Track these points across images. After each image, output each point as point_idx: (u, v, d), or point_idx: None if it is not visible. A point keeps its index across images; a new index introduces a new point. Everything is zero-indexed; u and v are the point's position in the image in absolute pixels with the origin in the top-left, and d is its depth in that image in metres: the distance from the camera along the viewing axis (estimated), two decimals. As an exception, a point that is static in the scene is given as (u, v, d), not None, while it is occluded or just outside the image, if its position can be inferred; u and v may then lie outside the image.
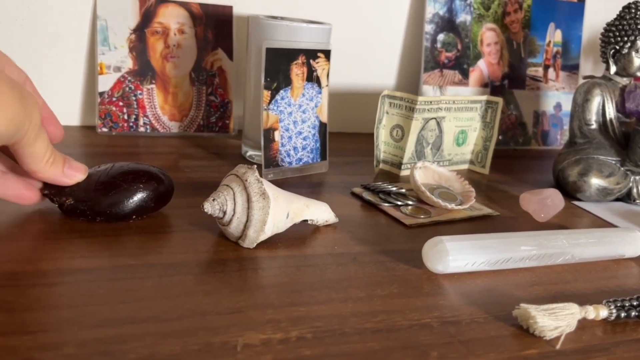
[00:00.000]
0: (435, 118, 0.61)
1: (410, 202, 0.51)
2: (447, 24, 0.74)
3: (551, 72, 0.80)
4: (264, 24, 0.55)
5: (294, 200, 0.41)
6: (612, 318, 0.35)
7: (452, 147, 0.64)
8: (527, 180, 0.64)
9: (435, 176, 0.55)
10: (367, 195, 0.51)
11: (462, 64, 0.75)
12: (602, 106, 0.61)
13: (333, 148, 0.67)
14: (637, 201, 0.59)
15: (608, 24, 0.62)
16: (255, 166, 0.40)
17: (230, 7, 0.66)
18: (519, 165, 0.71)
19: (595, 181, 0.57)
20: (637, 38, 0.59)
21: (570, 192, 0.58)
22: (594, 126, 0.61)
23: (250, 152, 0.60)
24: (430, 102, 0.60)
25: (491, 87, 0.77)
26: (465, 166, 0.67)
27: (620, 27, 0.60)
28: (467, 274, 0.39)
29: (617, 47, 0.60)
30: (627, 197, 0.59)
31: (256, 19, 0.56)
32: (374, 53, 0.76)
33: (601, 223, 0.54)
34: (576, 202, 0.58)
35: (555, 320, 0.32)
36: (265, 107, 0.53)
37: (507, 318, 0.34)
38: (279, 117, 0.54)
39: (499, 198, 0.57)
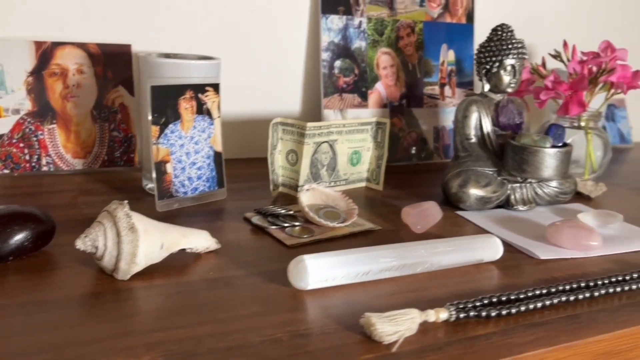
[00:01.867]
0: (327, 141, 0.65)
1: (297, 223, 0.54)
2: (343, 50, 0.78)
3: (447, 90, 0.86)
4: (152, 62, 0.58)
5: (169, 231, 0.44)
6: (453, 319, 0.38)
7: (347, 167, 0.68)
8: (418, 194, 0.68)
9: (322, 197, 0.58)
10: (255, 220, 0.54)
11: (360, 88, 0.79)
12: (480, 121, 0.66)
13: (240, 174, 0.70)
14: (515, 207, 0.64)
15: (480, 45, 0.67)
16: (127, 201, 0.42)
17: (129, 46, 0.69)
18: (416, 179, 0.76)
19: (474, 191, 0.62)
20: (504, 58, 0.65)
21: (453, 202, 0.63)
22: (473, 140, 0.66)
23: (150, 185, 0.62)
24: (320, 127, 0.63)
25: (390, 107, 0.82)
26: (363, 184, 0.70)
27: (489, 48, 0.66)
28: (330, 289, 0.42)
29: (488, 67, 0.66)
30: (506, 204, 0.64)
31: (145, 58, 0.59)
32: (279, 81, 0.80)
33: (477, 230, 0.58)
34: (460, 212, 0.63)
35: (395, 326, 0.36)
36: (155, 142, 0.55)
37: (356, 327, 0.37)
38: (169, 150, 0.56)
39: (387, 213, 0.61)
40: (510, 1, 0.94)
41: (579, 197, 0.72)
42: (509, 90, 0.66)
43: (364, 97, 0.80)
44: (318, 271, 0.40)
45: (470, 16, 0.87)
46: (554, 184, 0.65)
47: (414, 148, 0.82)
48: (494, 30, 0.66)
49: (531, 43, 0.95)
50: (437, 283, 0.45)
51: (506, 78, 0.65)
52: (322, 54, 0.77)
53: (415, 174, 0.78)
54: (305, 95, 0.81)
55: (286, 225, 0.53)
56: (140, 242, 0.40)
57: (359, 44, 0.79)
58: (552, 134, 0.62)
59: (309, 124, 0.62)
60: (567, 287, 0.44)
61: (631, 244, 0.55)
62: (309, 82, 0.81)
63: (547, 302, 0.42)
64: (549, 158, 0.60)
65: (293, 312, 0.39)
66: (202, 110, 0.59)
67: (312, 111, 0.81)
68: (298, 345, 0.35)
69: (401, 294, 0.43)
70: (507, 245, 0.54)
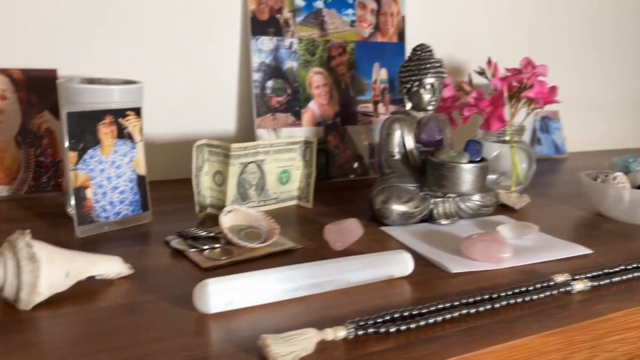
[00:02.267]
0: (254, 161, 0.66)
1: (217, 245, 0.54)
2: (275, 71, 0.79)
3: (381, 107, 0.88)
4: (71, 88, 0.58)
5: (76, 259, 0.43)
6: (351, 337, 0.39)
7: (277, 186, 0.69)
8: (348, 211, 0.69)
9: (246, 217, 0.59)
10: (174, 243, 0.54)
11: (293, 107, 0.81)
12: (402, 139, 0.68)
13: (172, 196, 0.70)
14: (438, 221, 0.65)
15: (401, 66, 0.69)
16: (29, 230, 0.42)
17: (55, 71, 0.69)
18: (349, 196, 0.77)
19: (396, 207, 0.63)
20: (423, 77, 0.67)
21: (377, 218, 0.64)
22: (397, 157, 0.68)
23: (72, 210, 0.61)
24: (245, 147, 0.64)
25: (324, 125, 0.83)
26: (294, 202, 0.71)
27: (409, 67, 0.68)
28: (237, 311, 0.43)
29: (408, 86, 0.68)
30: (430, 218, 0.66)
31: (63, 84, 0.59)
32: (213, 103, 0.80)
33: (398, 245, 0.59)
34: (384, 228, 0.64)
35: (290, 346, 0.36)
36: (73, 168, 0.55)
37: (255, 350, 0.37)
38: (89, 176, 0.56)
39: (313, 230, 0.62)
40: (441, 20, 0.97)
41: (505, 208, 0.74)
42: (430, 107, 0.68)
43: (298, 116, 0.81)
44: (221, 295, 0.41)
45: (401, 35, 0.89)
46: (475, 197, 0.67)
47: (356, 164, 0.83)
48: (413, 50, 0.68)
49: (463, 60, 0.99)
50: (345, 301, 0.46)
51: (426, 96, 0.67)
52: (253, 75, 0.78)
53: (350, 191, 0.80)
54: (240, 116, 0.82)
55: (205, 247, 0.54)
56: (41, 271, 0.40)
57: (290, 64, 0.80)
58: (470, 150, 0.64)
59: (234, 145, 0.63)
60: (470, 300, 0.46)
61: (542, 254, 0.57)
62: (243, 102, 0.82)
63: (448, 316, 0.43)
64: (466, 173, 0.62)
65: (195, 336, 0.39)
66: (123, 134, 0.59)
67: (247, 131, 0.82)
68: (192, 370, 0.35)
69: (308, 314, 0.43)
70: (423, 259, 0.55)
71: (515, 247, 0.59)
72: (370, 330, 0.40)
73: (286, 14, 0.80)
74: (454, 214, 0.66)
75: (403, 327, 0.41)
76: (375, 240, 0.60)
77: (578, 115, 1.19)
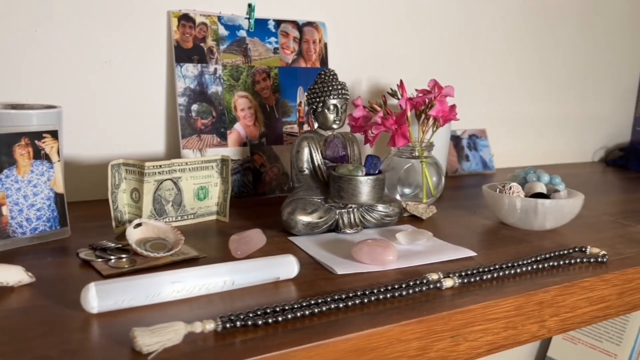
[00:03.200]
0: (170, 179, 0.70)
1: (123, 256, 0.58)
2: (200, 95, 0.85)
3: (306, 127, 0.93)
4: (-12, 113, 0.62)
5: (-25, 267, 0.47)
6: (220, 329, 0.44)
7: (194, 202, 0.73)
8: (264, 224, 0.73)
9: (155, 230, 0.63)
10: (83, 255, 0.58)
11: (219, 129, 0.86)
12: (311, 155, 0.73)
13: (96, 214, 0.73)
14: (343, 230, 0.70)
15: (308, 88, 0.75)
16: None
17: (-17, 97, 0.73)
18: (269, 211, 0.80)
19: (301, 217, 0.68)
20: (327, 99, 0.72)
21: (286, 228, 0.69)
22: (305, 172, 0.73)
23: (-6, 228, 0.65)
24: (160, 165, 0.69)
25: (250, 145, 0.88)
26: (213, 217, 0.76)
27: (314, 90, 0.73)
28: (124, 311, 0.47)
29: (314, 107, 0.73)
30: (336, 228, 0.71)
31: (-18, 109, 0.63)
32: (142, 126, 0.85)
33: (298, 252, 0.63)
34: (292, 237, 0.68)
35: (157, 337, 0.40)
36: (-12, 187, 0.59)
37: (128, 342, 0.42)
38: (4, 194, 0.60)
39: (222, 242, 0.65)
40: (363, 46, 1.03)
41: (414, 218, 0.79)
42: (335, 126, 0.73)
43: (223, 137, 0.86)
44: (105, 296, 0.45)
45: (324, 61, 0.96)
46: (379, 208, 0.72)
47: (287, 182, 0.88)
48: (318, 74, 0.74)
49: (388, 83, 1.05)
50: (229, 301, 0.50)
51: (330, 116, 0.73)
52: (178, 99, 0.83)
53: (272, 206, 0.84)
54: (168, 138, 0.87)
55: (112, 258, 0.58)
56: (-64, 277, 0.44)
57: (215, 88, 0.86)
58: (368, 164, 0.69)
59: (147, 163, 0.67)
60: (342, 296, 0.50)
61: (428, 257, 0.62)
62: (170, 125, 0.86)
63: (316, 310, 0.48)
64: (361, 185, 0.67)
65: (76, 333, 0.43)
66: (40, 155, 0.63)
67: (174, 152, 0.86)
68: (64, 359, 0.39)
69: (190, 312, 0.47)
70: (316, 264, 0.60)
71: (405, 251, 0.64)
72: (239, 323, 0.44)
73: (210, 42, 0.86)
74: (358, 224, 0.71)
75: (270, 320, 0.45)
76: (279, 249, 0.65)
77: (506, 133, 1.26)
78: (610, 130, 1.46)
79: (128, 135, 0.84)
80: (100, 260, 0.57)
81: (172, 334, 0.41)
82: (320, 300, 0.49)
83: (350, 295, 0.51)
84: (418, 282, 0.54)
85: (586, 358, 1.27)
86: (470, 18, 1.17)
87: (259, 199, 0.87)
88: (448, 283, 0.54)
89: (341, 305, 0.49)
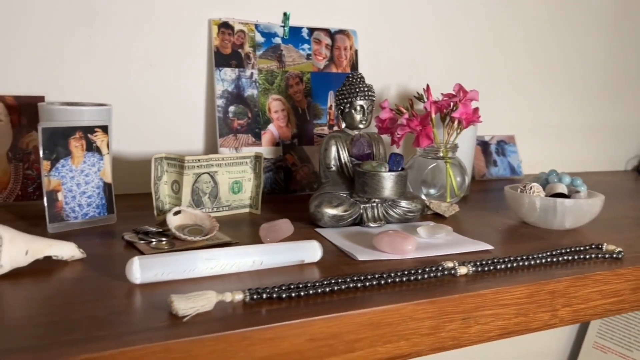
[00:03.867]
0: (208, 172, 0.76)
1: (164, 239, 0.64)
2: (237, 98, 0.90)
3: (336, 129, 0.98)
4: (47, 109, 0.69)
5: (35, 241, 0.53)
6: (247, 300, 0.48)
7: (229, 195, 0.79)
8: (292, 217, 0.77)
9: (192, 217, 0.68)
10: (127, 237, 0.64)
11: (254, 129, 0.91)
12: (338, 153, 0.78)
13: (140, 205, 0.79)
14: (367, 224, 0.74)
15: (337, 90, 0.79)
16: (-3, 216, 0.52)
17: (42, 97, 0.80)
18: (299, 206, 0.85)
19: (327, 210, 0.72)
20: (354, 100, 0.77)
21: (312, 220, 0.73)
22: (333, 169, 0.77)
23: (50, 213, 0.72)
24: (199, 160, 0.74)
25: (282, 145, 0.93)
26: (246, 210, 0.81)
27: (342, 92, 0.78)
28: (163, 283, 0.52)
29: (342, 108, 0.78)
30: (360, 222, 0.75)
31: (43, 107, 0.70)
32: (184, 125, 0.91)
33: (323, 241, 0.68)
34: (318, 229, 0.73)
35: (192, 303, 0.45)
36: (46, 174, 0.66)
37: (165, 306, 0.47)
38: (61, 181, 0.67)
39: (253, 231, 0.70)
40: (393, 52, 1.08)
41: (437, 216, 0.83)
42: (361, 126, 0.78)
43: (258, 137, 0.91)
44: (147, 268, 0.50)
45: (354, 67, 1.00)
46: (402, 204, 0.76)
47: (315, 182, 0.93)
48: (346, 77, 0.79)
49: (417, 87, 1.08)
50: (258, 278, 0.55)
51: (357, 116, 0.77)
52: (217, 101, 0.89)
53: (302, 202, 0.89)
54: (207, 137, 0.93)
55: (153, 240, 0.63)
56: (3, 247, 0.50)
57: (251, 91, 0.91)
58: (392, 161, 0.73)
59: (187, 157, 0.73)
60: (361, 277, 0.54)
61: (446, 249, 0.66)
62: (209, 125, 0.93)
63: (336, 288, 0.52)
64: (384, 180, 0.71)
65: (120, 298, 0.48)
66: (92, 147, 0.70)
67: (212, 150, 0.92)
68: (109, 319, 0.44)
69: (223, 286, 0.52)
70: (340, 251, 0.64)
71: (425, 244, 0.67)
72: (265, 295, 0.49)
73: (247, 48, 0.91)
74: (381, 218, 0.75)
75: (294, 295, 0.50)
76: (305, 238, 0.69)
77: (536, 139, 1.28)
78: (644, 139, 1.45)
79: (170, 133, 0.91)
80: (142, 242, 0.63)
81: (205, 301, 0.46)
82: (340, 280, 0.53)
83: (369, 277, 0.54)
84: (434, 268, 0.58)
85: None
86: (500, 25, 1.20)
87: (289, 196, 0.92)
88: (462, 270, 0.58)
89: (359, 285, 0.53)
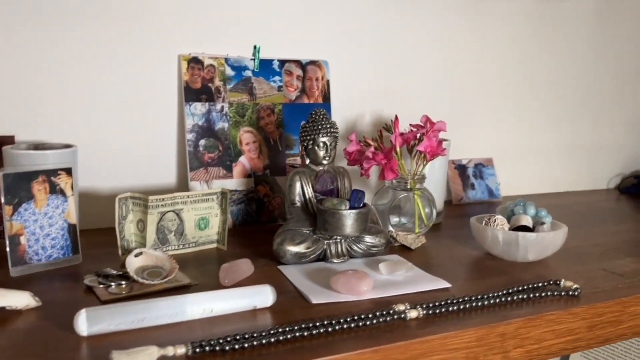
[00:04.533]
0: (173, 210, 0.77)
1: (123, 282, 0.65)
2: (207, 131, 0.91)
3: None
4: (12, 153, 0.71)
5: (-12, 292, 0.54)
6: (190, 353, 0.49)
7: (195, 231, 0.79)
8: (259, 252, 0.78)
9: (153, 258, 0.69)
10: (87, 281, 0.65)
11: (225, 162, 0.92)
12: (302, 189, 0.78)
13: (107, 242, 0.80)
14: (331, 260, 0.75)
15: (301, 127, 0.80)
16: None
17: (12, 137, 0.82)
18: (269, 239, 0.84)
19: (289, 248, 0.73)
20: (316, 137, 0.78)
21: (276, 258, 0.74)
22: (297, 204, 0.78)
23: (17, 254, 0.73)
24: (163, 199, 0.75)
25: (254, 176, 0.94)
26: (214, 245, 0.82)
27: (306, 128, 0.79)
28: (113, 334, 0.53)
29: (305, 145, 0.79)
30: (324, 257, 0.75)
31: (7, 151, 0.72)
32: (156, 158, 0.93)
33: (284, 281, 0.68)
34: (281, 267, 0.73)
35: (132, 359, 0.46)
36: (8, 219, 0.67)
37: (109, 361, 0.48)
38: (23, 225, 0.68)
39: (213, 269, 0.71)
40: (365, 82, 1.08)
41: (404, 248, 0.83)
42: (324, 162, 0.79)
43: (229, 169, 0.92)
44: (94, 320, 0.51)
45: (326, 96, 1.01)
46: (366, 239, 0.77)
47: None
48: (310, 114, 0.80)
49: (389, 116, 1.09)
50: (209, 327, 0.55)
51: (320, 153, 0.78)
52: (187, 135, 0.90)
53: (272, 234, 0.89)
54: (178, 170, 0.94)
55: (112, 284, 0.64)
56: (-46, 301, 0.51)
57: (222, 125, 0.93)
58: (353, 198, 0.74)
59: (151, 197, 0.74)
60: (310, 325, 0.55)
61: (403, 287, 0.66)
62: (180, 159, 0.94)
63: (281, 338, 0.52)
64: (344, 218, 0.72)
65: (68, 352, 0.49)
66: (55, 190, 0.71)
67: (183, 183, 0.93)
68: (52, 376, 0.45)
69: (171, 337, 0.53)
70: (297, 292, 0.65)
71: (384, 282, 0.68)
72: (208, 348, 0.50)
73: (217, 82, 0.93)
74: (345, 254, 0.75)
75: (237, 346, 0.50)
76: (266, 277, 0.70)
77: (515, 161, 1.28)
78: (626, 158, 1.45)
79: (142, 168, 0.92)
80: (102, 286, 0.64)
81: (146, 356, 0.47)
82: (287, 329, 0.54)
83: (317, 324, 0.55)
84: (384, 312, 0.58)
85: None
86: (475, 49, 1.20)
87: (261, 227, 0.93)
88: (413, 314, 0.58)
89: (306, 333, 0.53)
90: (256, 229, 0.92)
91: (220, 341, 0.51)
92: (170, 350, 0.48)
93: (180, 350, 0.49)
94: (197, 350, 0.49)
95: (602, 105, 1.39)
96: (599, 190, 1.41)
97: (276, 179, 0.96)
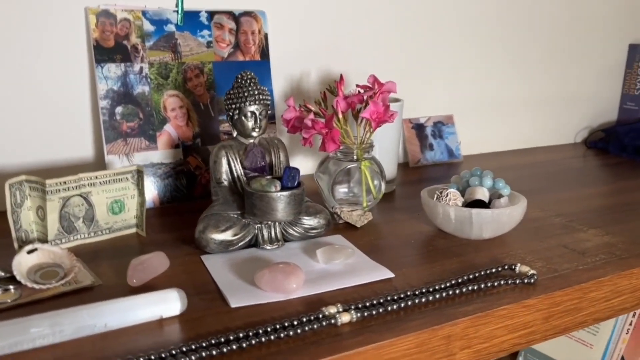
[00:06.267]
0: (79, 194, 0.67)
1: (11, 287, 0.55)
2: (124, 97, 0.80)
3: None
4: None
5: None
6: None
7: (108, 216, 0.69)
8: (183, 238, 0.69)
9: (50, 255, 0.59)
10: (-34, 286, 0.55)
11: (147, 131, 0.81)
12: (230, 165, 0.69)
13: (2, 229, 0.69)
14: (263, 246, 0.66)
15: (225, 93, 0.69)
16: None
17: None
18: (196, 219, 0.76)
19: (213, 236, 0.64)
20: (243, 105, 0.67)
21: (198, 247, 0.65)
22: (224, 184, 0.69)
23: None
24: (64, 182, 0.65)
25: (183, 146, 0.84)
26: (133, 230, 0.72)
27: (230, 96, 0.68)
28: (-22, 362, 0.44)
29: (231, 114, 0.68)
30: (256, 244, 0.67)
31: None
32: (68, 130, 0.81)
33: (206, 276, 0.59)
34: (204, 256, 0.64)
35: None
36: None
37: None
38: None
39: (127, 262, 0.62)
40: (310, 36, 0.96)
41: (348, 226, 0.75)
42: (254, 134, 0.68)
43: (152, 139, 0.81)
44: (-50, 350, 0.42)
45: (264, 52, 0.90)
46: (304, 220, 0.68)
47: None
48: (235, 78, 0.69)
49: (338, 72, 0.98)
50: (102, 344, 0.47)
51: (249, 123, 0.68)
52: (100, 102, 0.78)
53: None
54: (95, 143, 0.83)
55: (-2, 289, 0.55)
56: None
57: (141, 89, 0.81)
58: (285, 177, 0.64)
59: (49, 181, 0.63)
60: (220, 340, 0.46)
61: (340, 281, 0.58)
62: (96, 131, 0.82)
63: (183, 359, 0.44)
64: (274, 202, 0.63)
65: None
66: None
67: (101, 158, 0.82)
68: None
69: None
70: (216, 291, 0.56)
71: (319, 273, 0.60)
72: (91, 380, 0.41)
73: (134, 39, 0.80)
74: (278, 239, 0.67)
75: (127, 375, 0.42)
76: (185, 272, 0.61)
77: (477, 117, 1.20)
78: (595, 110, 1.38)
79: (52, 140, 0.80)
80: (-18, 292, 0.55)
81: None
82: (192, 347, 0.45)
83: (230, 338, 0.47)
84: (312, 317, 0.50)
85: (562, 347, 1.23)
86: (435, -4, 1.09)
87: (193, 204, 0.83)
88: (345, 318, 0.50)
89: (215, 352, 0.45)
90: (186, 207, 0.82)
91: (108, 369, 0.42)
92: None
93: (54, 386, 0.40)
94: (78, 384, 0.41)
95: (570, 54, 1.30)
96: (565, 145, 1.34)
97: (209, 148, 0.86)
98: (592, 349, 1.22)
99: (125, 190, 0.70)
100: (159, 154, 0.82)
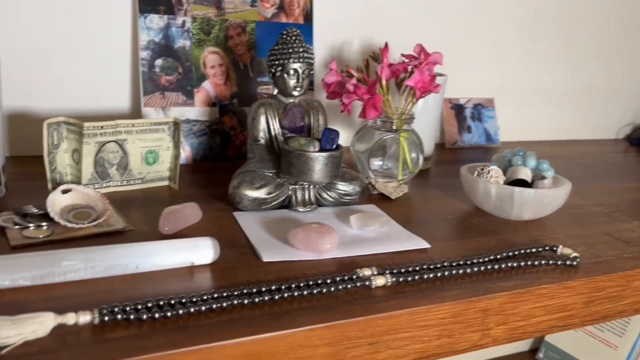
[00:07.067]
0: (115, 141, 0.66)
1: (44, 224, 0.55)
2: (165, 49, 0.79)
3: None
4: None
5: None
6: (97, 322, 0.40)
7: (142, 166, 0.69)
8: (214, 194, 0.68)
9: (84, 197, 0.59)
10: (1, 220, 0.55)
11: (185, 87, 0.80)
12: (268, 124, 0.67)
13: (36, 172, 0.69)
14: (295, 208, 0.65)
15: (269, 50, 0.68)
16: None
17: None
18: (228, 178, 0.74)
19: (247, 192, 0.62)
20: (286, 62, 0.65)
21: (231, 203, 0.64)
22: (261, 142, 0.67)
23: None
24: (102, 127, 0.64)
25: (219, 105, 0.82)
26: (165, 183, 0.71)
27: (274, 52, 0.66)
28: (12, 290, 0.43)
29: (273, 71, 0.67)
30: (289, 204, 0.65)
31: None
32: (106, 78, 0.80)
33: (238, 231, 0.58)
34: (237, 213, 0.63)
35: (18, 329, 0.37)
36: None
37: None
38: None
39: (158, 212, 0.61)
40: (354, 3, 0.94)
41: (383, 197, 0.73)
42: (295, 93, 0.67)
43: (190, 95, 0.80)
44: (-15, 273, 0.42)
45: (308, 16, 0.88)
46: (339, 185, 0.66)
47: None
48: (280, 34, 0.67)
49: (382, 44, 0.96)
50: (132, 286, 0.46)
51: (291, 82, 0.66)
52: (140, 53, 0.77)
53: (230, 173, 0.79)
54: (132, 93, 0.82)
55: (30, 225, 0.54)
56: None
57: (182, 43, 0.80)
58: (324, 138, 0.63)
59: (87, 124, 0.63)
60: (252, 290, 0.45)
61: (373, 247, 0.56)
62: (135, 80, 0.81)
63: (215, 306, 0.43)
64: (312, 162, 0.61)
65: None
66: (-31, 110, 0.60)
67: (138, 109, 0.82)
68: None
69: (81, 297, 0.44)
70: (248, 245, 0.55)
71: (353, 238, 0.58)
72: (120, 316, 0.40)
73: (179, -9, 0.79)
74: (312, 202, 0.65)
75: (157, 315, 0.41)
76: (216, 225, 0.60)
77: (518, 104, 1.16)
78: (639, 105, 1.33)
79: (91, 88, 0.80)
80: (17, 227, 0.54)
81: (36, 325, 0.38)
82: (224, 294, 0.44)
83: (262, 289, 0.46)
84: (346, 277, 0.49)
85: (585, 346, 1.21)
86: (486, -26, 1.05)
87: (225, 164, 0.82)
88: (379, 282, 0.49)
89: (246, 301, 0.44)
90: (219, 166, 0.81)
91: (138, 307, 0.42)
92: (70, 318, 0.39)
93: (84, 317, 0.39)
94: (107, 318, 0.40)
95: (618, 47, 1.25)
96: (606, 140, 1.29)
97: (245, 110, 0.84)
98: (617, 351, 1.19)
99: (161, 142, 0.69)
100: (196, 111, 0.81)
